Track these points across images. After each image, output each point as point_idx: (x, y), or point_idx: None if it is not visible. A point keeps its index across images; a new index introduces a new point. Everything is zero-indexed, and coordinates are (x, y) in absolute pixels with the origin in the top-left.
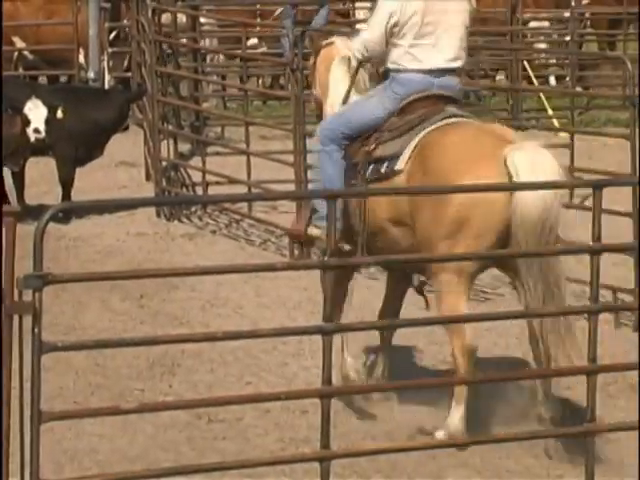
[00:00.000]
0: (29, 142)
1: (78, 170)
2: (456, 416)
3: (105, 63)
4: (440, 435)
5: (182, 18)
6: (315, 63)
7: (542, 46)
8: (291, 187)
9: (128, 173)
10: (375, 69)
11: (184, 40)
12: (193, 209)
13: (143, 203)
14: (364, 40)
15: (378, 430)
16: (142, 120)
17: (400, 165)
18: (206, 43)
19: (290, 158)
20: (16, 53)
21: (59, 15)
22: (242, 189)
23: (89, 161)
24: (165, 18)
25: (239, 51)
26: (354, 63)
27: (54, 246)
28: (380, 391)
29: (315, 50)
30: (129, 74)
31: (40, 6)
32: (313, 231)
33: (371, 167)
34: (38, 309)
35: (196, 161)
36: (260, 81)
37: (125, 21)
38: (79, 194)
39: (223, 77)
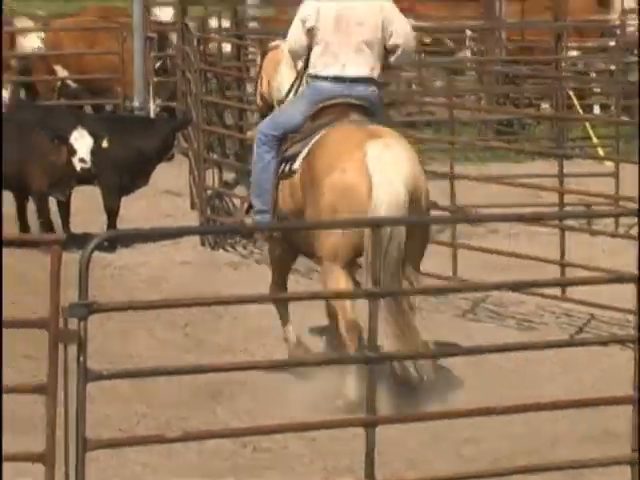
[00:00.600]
0: (75, 172)
1: (123, 199)
2: (350, 384)
3: (150, 92)
4: (339, 403)
5: (227, 47)
6: (262, 65)
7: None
8: None
9: (173, 202)
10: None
11: (229, 69)
12: (238, 238)
13: (188, 232)
14: (286, 45)
15: (421, 459)
16: (187, 149)
17: (296, 165)
18: (251, 72)
19: None
20: (59, 82)
21: (100, 44)
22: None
23: (134, 190)
24: (210, 47)
25: None
26: (297, 66)
27: (99, 275)
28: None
29: (262, 53)
30: (174, 103)
31: (81, 35)
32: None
33: (282, 165)
34: (83, 338)
35: (241, 190)
36: None
37: (170, 50)
38: (124, 223)
39: None
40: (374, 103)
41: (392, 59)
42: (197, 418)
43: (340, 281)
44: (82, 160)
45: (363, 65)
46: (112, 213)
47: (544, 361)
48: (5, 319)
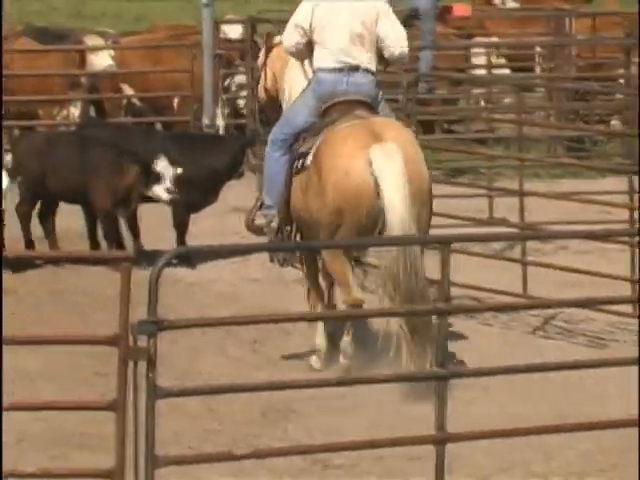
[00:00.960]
0: (140, 193)
1: (192, 216)
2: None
3: (219, 110)
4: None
5: None
6: (266, 60)
7: None
8: None
9: (242, 219)
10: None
11: None
12: None
13: (257, 249)
14: (283, 45)
15: (492, 476)
16: (256, 166)
17: (308, 161)
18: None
19: None
20: (125, 100)
21: (164, 62)
22: None
23: (203, 207)
24: None
25: None
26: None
27: (169, 292)
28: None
29: (267, 48)
30: (243, 121)
31: (146, 54)
32: (259, 221)
33: (296, 163)
34: (153, 355)
35: None
36: None
37: (240, 68)
38: (193, 240)
39: None
40: (373, 94)
41: (386, 56)
42: (267, 435)
43: (344, 264)
44: (169, 190)
45: (359, 56)
46: (181, 230)
47: (614, 378)
48: (75, 336)
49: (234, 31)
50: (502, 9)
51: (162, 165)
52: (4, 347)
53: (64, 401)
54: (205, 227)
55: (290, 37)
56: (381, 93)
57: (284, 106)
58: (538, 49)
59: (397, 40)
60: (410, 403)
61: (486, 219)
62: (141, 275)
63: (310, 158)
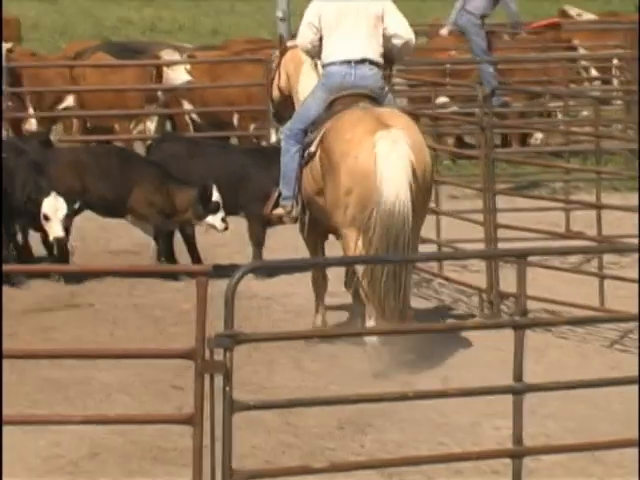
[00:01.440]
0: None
1: (268, 229)
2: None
3: None
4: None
5: None
6: (280, 62)
7: None
8: (481, 246)
9: None
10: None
11: None
12: None
13: (333, 262)
14: (298, 43)
15: None
16: None
17: (313, 148)
18: (396, 102)
19: (480, 217)
20: (187, 116)
21: (223, 78)
22: (432, 248)
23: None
24: None
25: (429, 110)
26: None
27: (245, 305)
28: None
29: (281, 51)
30: None
31: (206, 69)
32: (278, 211)
33: (305, 152)
34: (229, 368)
35: None
36: (450, 140)
37: None
38: (269, 253)
39: None
40: (378, 86)
41: (392, 48)
42: (343, 449)
43: (356, 245)
44: (224, 220)
45: (365, 49)
46: (258, 244)
47: None
48: (152, 350)
49: None
50: (579, 21)
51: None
52: (82, 362)
53: (141, 415)
54: (281, 240)
55: (304, 35)
56: (387, 85)
57: (296, 104)
58: (615, 61)
59: (405, 32)
60: (486, 418)
61: (563, 232)
62: (217, 289)
63: (314, 146)
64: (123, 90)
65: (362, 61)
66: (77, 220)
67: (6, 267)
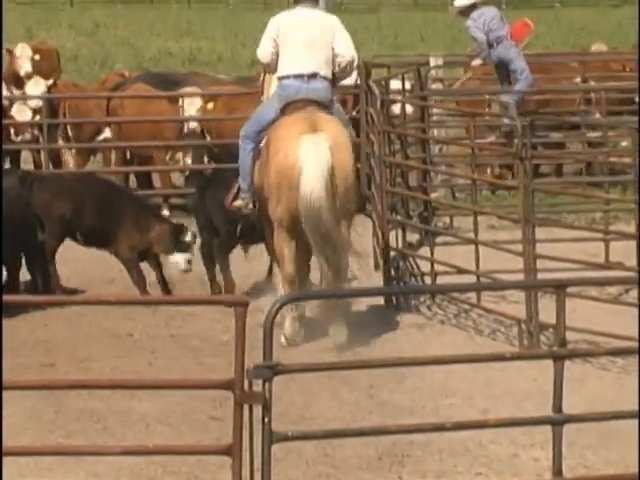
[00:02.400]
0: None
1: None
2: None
3: None
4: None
5: (411, 108)
6: (264, 79)
7: None
8: (520, 277)
9: (357, 263)
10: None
11: (412, 130)
12: (422, 299)
13: (372, 293)
14: (259, 57)
15: None
16: (371, 210)
17: (262, 145)
18: (434, 133)
19: (519, 247)
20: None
21: (240, 110)
22: (471, 279)
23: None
24: (394, 109)
25: (467, 141)
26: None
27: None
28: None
29: (264, 72)
30: (358, 165)
31: (225, 102)
32: (237, 203)
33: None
34: (268, 399)
35: (424, 251)
36: (489, 170)
37: (354, 112)
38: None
39: (451, 167)
40: (327, 97)
41: (338, 65)
42: None
43: (285, 242)
44: (189, 262)
45: (316, 65)
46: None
47: None
48: (191, 381)
49: None
50: (621, 51)
51: (191, 236)
52: (121, 392)
53: (180, 446)
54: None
55: (264, 49)
56: (335, 97)
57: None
58: None
59: (348, 53)
60: (525, 448)
61: (602, 263)
62: (255, 319)
63: (262, 144)
64: (159, 121)
65: (314, 75)
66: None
67: (49, 298)
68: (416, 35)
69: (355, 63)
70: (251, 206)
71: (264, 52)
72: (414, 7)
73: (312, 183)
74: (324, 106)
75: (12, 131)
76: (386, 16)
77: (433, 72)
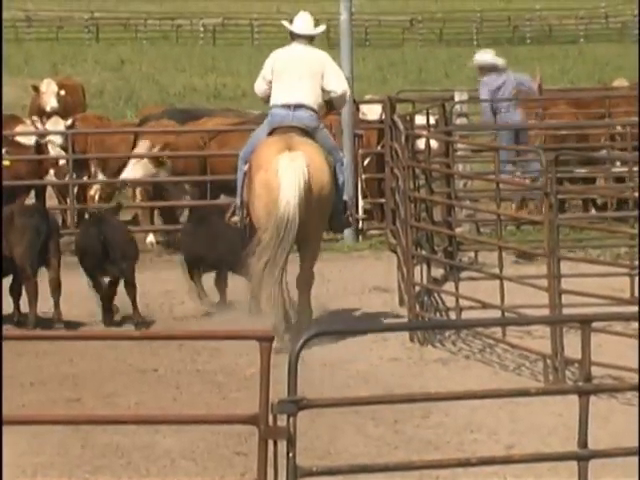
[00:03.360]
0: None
1: (332, 294)
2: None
3: (359, 189)
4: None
5: (435, 143)
6: None
7: None
8: (545, 312)
9: (381, 298)
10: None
11: (437, 165)
12: (447, 334)
13: (397, 328)
14: (256, 91)
15: None
16: (396, 245)
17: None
18: (459, 168)
19: (544, 283)
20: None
21: (230, 145)
22: (496, 314)
23: None
24: (418, 144)
25: (492, 175)
26: None
27: (308, 371)
28: None
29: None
30: (383, 200)
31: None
32: (234, 218)
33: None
34: (293, 434)
35: (449, 286)
36: (513, 205)
37: (379, 147)
38: (332, 319)
39: (476, 201)
40: (312, 125)
41: (332, 96)
42: None
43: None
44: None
45: (303, 97)
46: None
47: None
48: (215, 416)
49: (373, 112)
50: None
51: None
52: (145, 427)
53: None
54: (346, 306)
55: (260, 87)
56: (321, 125)
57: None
58: None
59: (339, 88)
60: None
61: (627, 298)
62: (280, 355)
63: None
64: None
65: (299, 106)
66: (141, 287)
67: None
68: (440, 70)
69: (347, 95)
70: (247, 220)
71: (258, 85)
72: (438, 43)
73: (289, 195)
74: (308, 132)
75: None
76: (410, 51)
77: (458, 107)
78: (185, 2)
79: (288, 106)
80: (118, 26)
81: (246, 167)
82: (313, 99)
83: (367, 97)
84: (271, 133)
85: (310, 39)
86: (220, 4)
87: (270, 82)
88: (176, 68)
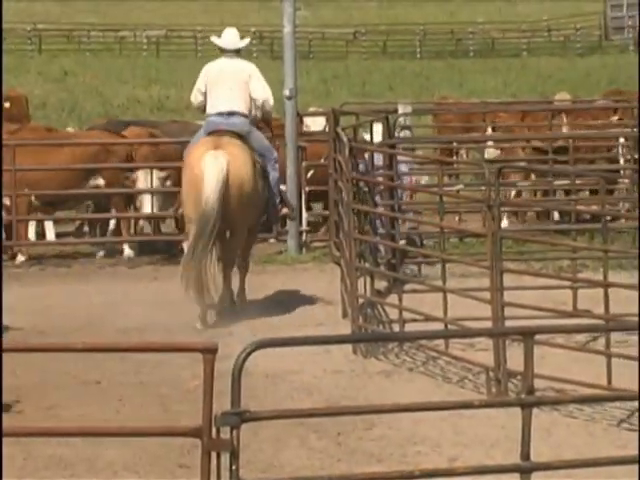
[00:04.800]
0: None
1: (275, 306)
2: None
3: (303, 201)
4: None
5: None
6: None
7: None
8: (488, 324)
9: (325, 310)
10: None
11: (380, 178)
12: (390, 346)
13: (340, 340)
14: (192, 101)
15: None
16: (339, 257)
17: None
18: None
19: (487, 295)
20: None
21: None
22: (439, 326)
23: None
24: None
25: (435, 188)
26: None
27: (251, 383)
28: None
29: None
30: (326, 212)
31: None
32: (180, 211)
33: None
34: (236, 446)
35: (393, 298)
36: (457, 218)
37: (322, 160)
38: (276, 331)
39: (419, 214)
40: (244, 129)
41: (257, 104)
42: None
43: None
44: None
45: (234, 104)
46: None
47: None
48: (158, 428)
49: (317, 124)
50: (585, 100)
51: None
52: (88, 440)
53: None
54: (288, 318)
55: (195, 98)
56: (254, 129)
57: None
58: (622, 140)
59: (262, 95)
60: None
61: (570, 310)
62: (223, 367)
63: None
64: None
65: (232, 113)
66: (84, 298)
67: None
68: (384, 83)
69: (270, 102)
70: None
71: (194, 97)
72: (382, 55)
73: (209, 190)
74: (240, 136)
75: None
76: (354, 64)
77: (401, 120)
78: (128, 14)
79: (221, 114)
80: (61, 37)
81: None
82: (244, 106)
83: (311, 109)
84: (209, 135)
85: (237, 52)
86: (164, 16)
87: (204, 93)
88: (119, 80)
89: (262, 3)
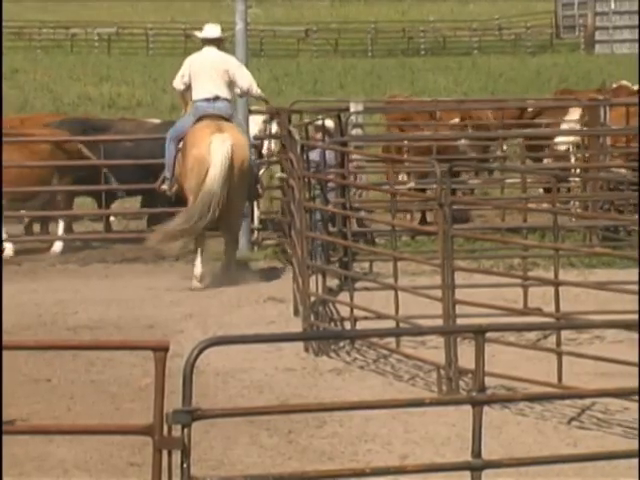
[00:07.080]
0: None
1: (228, 305)
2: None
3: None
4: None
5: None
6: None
7: None
8: (439, 322)
9: (276, 308)
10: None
11: (332, 176)
12: (341, 344)
13: (291, 338)
14: (174, 87)
15: None
16: (291, 256)
17: (181, 145)
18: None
19: (438, 293)
20: None
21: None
22: (390, 324)
23: None
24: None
25: (387, 187)
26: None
27: (202, 381)
28: None
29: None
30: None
31: None
32: (163, 187)
33: (178, 147)
34: (187, 444)
35: (344, 296)
36: (408, 216)
37: (274, 157)
38: (227, 328)
39: (371, 212)
40: (228, 112)
41: (240, 91)
42: None
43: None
44: None
45: (218, 90)
46: None
47: None
48: (109, 426)
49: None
50: (538, 99)
51: None
52: (38, 437)
53: None
54: (240, 316)
55: (178, 84)
56: (235, 112)
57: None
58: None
59: (246, 81)
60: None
61: (521, 308)
62: (174, 365)
63: (182, 143)
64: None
65: (216, 98)
66: (34, 296)
67: None
68: (336, 81)
69: (254, 86)
70: (173, 189)
71: (177, 82)
72: (333, 53)
73: (216, 172)
74: (227, 119)
75: None
76: (305, 62)
77: (353, 118)
78: (80, 11)
79: (208, 99)
80: (11, 35)
81: (174, 146)
82: (226, 92)
83: (253, 108)
84: (199, 120)
85: (217, 44)
86: (115, 13)
87: (186, 82)
88: (70, 77)
89: (213, 2)
